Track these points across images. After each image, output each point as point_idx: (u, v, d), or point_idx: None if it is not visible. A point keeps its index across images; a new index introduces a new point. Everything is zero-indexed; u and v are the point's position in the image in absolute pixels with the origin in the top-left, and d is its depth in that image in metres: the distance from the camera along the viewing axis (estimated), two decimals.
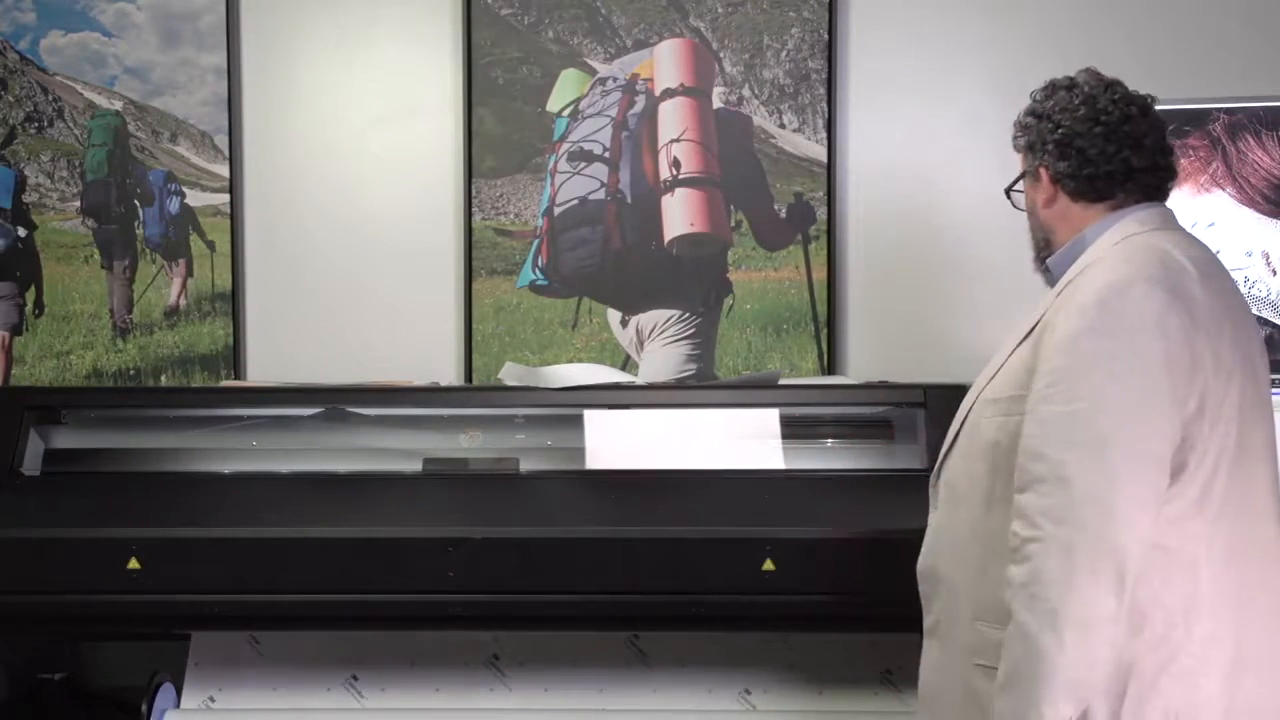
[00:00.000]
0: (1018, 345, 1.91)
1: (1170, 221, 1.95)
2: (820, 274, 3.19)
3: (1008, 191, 2.09)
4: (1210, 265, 1.88)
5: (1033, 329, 1.89)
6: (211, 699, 2.70)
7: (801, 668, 2.67)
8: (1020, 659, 1.72)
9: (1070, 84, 1.99)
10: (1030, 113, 2.00)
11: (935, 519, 2.02)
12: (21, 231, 3.32)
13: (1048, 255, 2.01)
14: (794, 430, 2.67)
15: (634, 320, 3.23)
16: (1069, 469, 1.71)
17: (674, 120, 3.22)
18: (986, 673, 1.82)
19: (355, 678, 2.71)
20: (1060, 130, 1.94)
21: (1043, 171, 1.97)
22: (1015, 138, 2.05)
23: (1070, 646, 1.68)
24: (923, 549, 2.03)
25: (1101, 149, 1.93)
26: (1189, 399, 1.76)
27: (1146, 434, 1.72)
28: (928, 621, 2.01)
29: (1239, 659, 1.78)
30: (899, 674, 2.65)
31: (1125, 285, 1.77)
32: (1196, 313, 1.79)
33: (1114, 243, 1.88)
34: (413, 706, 2.68)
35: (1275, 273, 2.87)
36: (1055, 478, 1.72)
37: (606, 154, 3.22)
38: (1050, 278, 2.03)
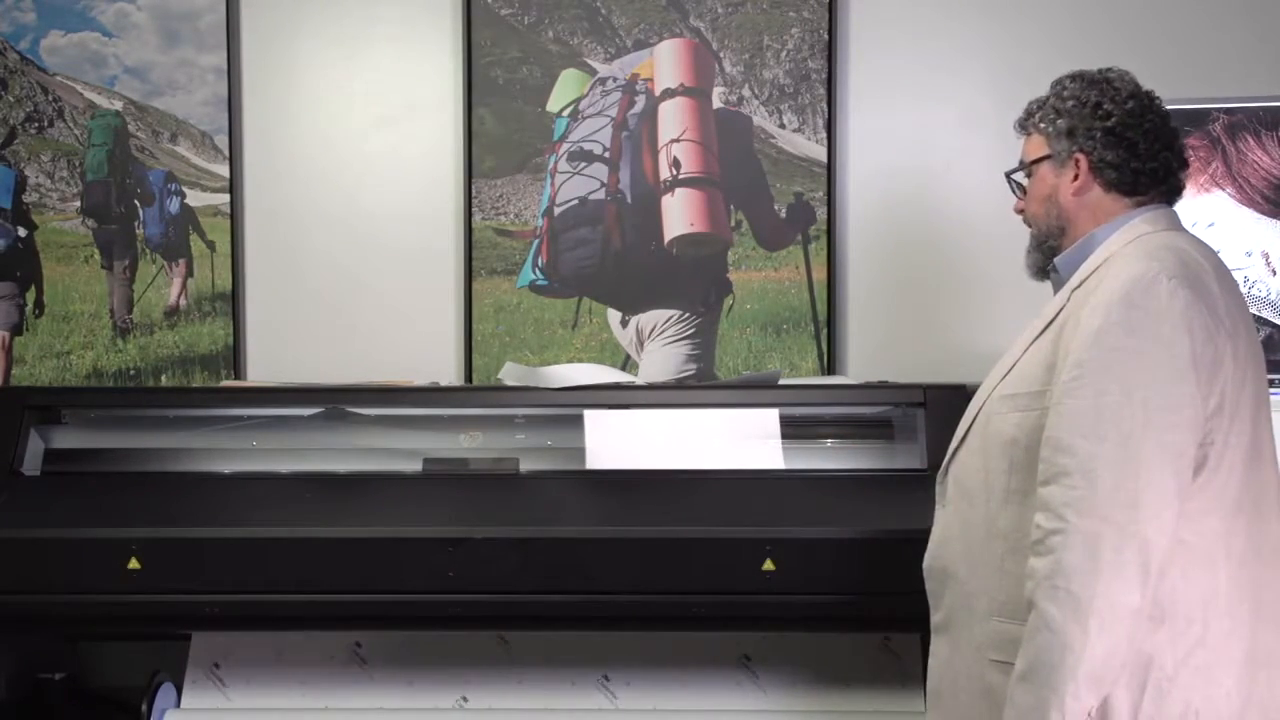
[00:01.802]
0: (1032, 342, 1.92)
1: (1178, 224, 1.97)
2: (820, 274, 3.19)
3: (1010, 174, 2.07)
4: (1221, 266, 1.90)
5: (1048, 325, 1.90)
6: (217, 664, 2.69)
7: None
8: (1042, 650, 1.72)
9: (1105, 78, 1.98)
10: (1071, 97, 1.97)
11: (943, 516, 2.02)
12: (21, 231, 3.32)
13: (1053, 246, 2.00)
14: (794, 430, 2.67)
15: (634, 320, 3.23)
16: (1095, 462, 1.72)
17: (674, 120, 3.22)
18: (1004, 668, 1.83)
19: (363, 657, 2.71)
20: (1112, 119, 1.94)
21: (1082, 158, 1.95)
22: (1040, 121, 2.00)
23: (1094, 637, 1.69)
24: (929, 546, 2.03)
25: (1150, 145, 1.94)
26: (1210, 396, 1.77)
27: (1172, 428, 1.73)
28: (935, 619, 2.01)
29: (1253, 656, 1.80)
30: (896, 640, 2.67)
31: (1150, 281, 1.78)
32: (1217, 311, 1.81)
33: (1126, 241, 1.89)
34: (419, 706, 2.68)
35: (1275, 273, 2.87)
36: (1081, 470, 1.72)
37: (606, 154, 3.22)
38: (1042, 270, 2.03)
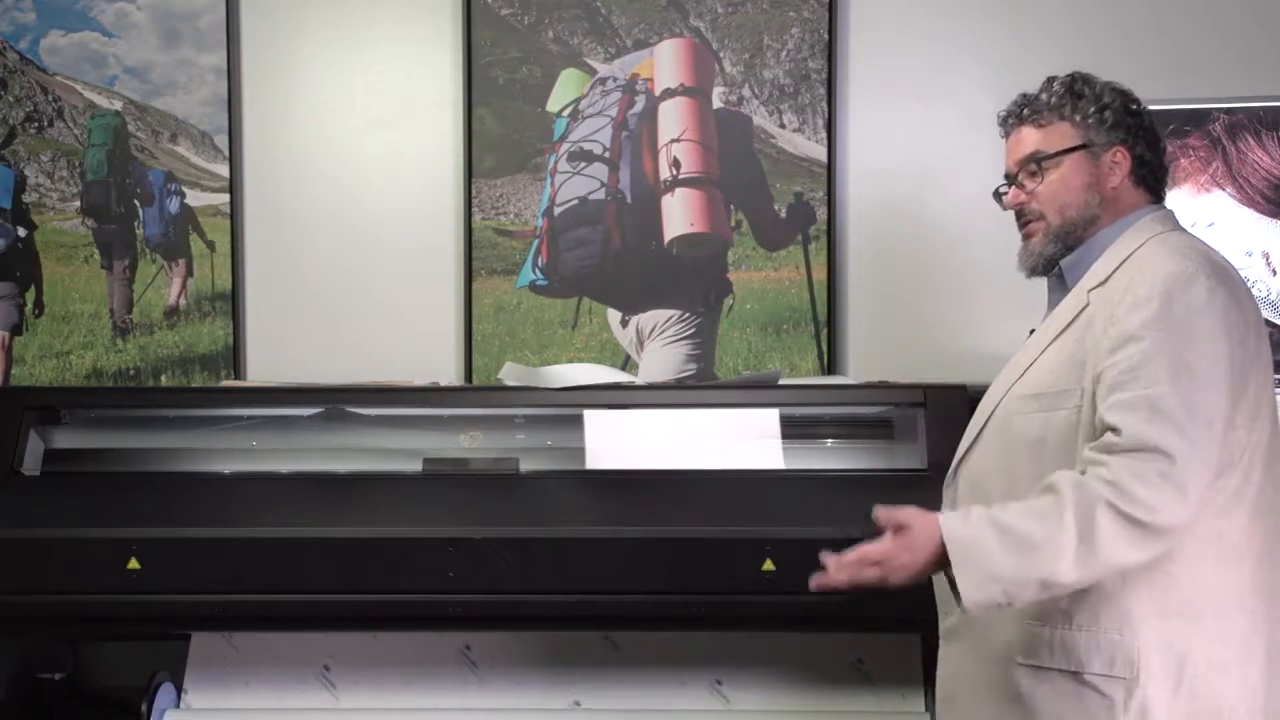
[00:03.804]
0: (1051, 342, 1.92)
1: (1180, 224, 1.99)
2: (820, 274, 3.19)
3: (1042, 159, 1.98)
4: (1234, 266, 1.93)
5: (1069, 325, 1.90)
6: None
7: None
8: (1040, 539, 1.73)
9: (1111, 82, 2.02)
10: (1104, 93, 1.99)
11: None
12: (21, 231, 3.32)
13: (1079, 237, 1.97)
14: (794, 430, 2.67)
15: (634, 320, 3.23)
16: (1162, 445, 1.72)
17: (674, 120, 3.22)
18: (1036, 672, 1.84)
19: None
20: (1145, 119, 1.99)
21: (1123, 151, 1.96)
22: (1074, 113, 1.98)
23: (1078, 576, 1.72)
24: None
25: (1163, 145, 2.02)
26: (1242, 397, 1.80)
27: (1213, 423, 1.75)
28: (947, 624, 2.00)
29: (1271, 653, 1.83)
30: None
31: (1189, 279, 1.80)
32: (1247, 311, 1.84)
33: (1140, 240, 1.91)
34: (431, 706, 2.69)
35: (1275, 273, 2.87)
36: (1149, 448, 1.73)
37: (606, 154, 3.22)
38: (1048, 265, 2.01)
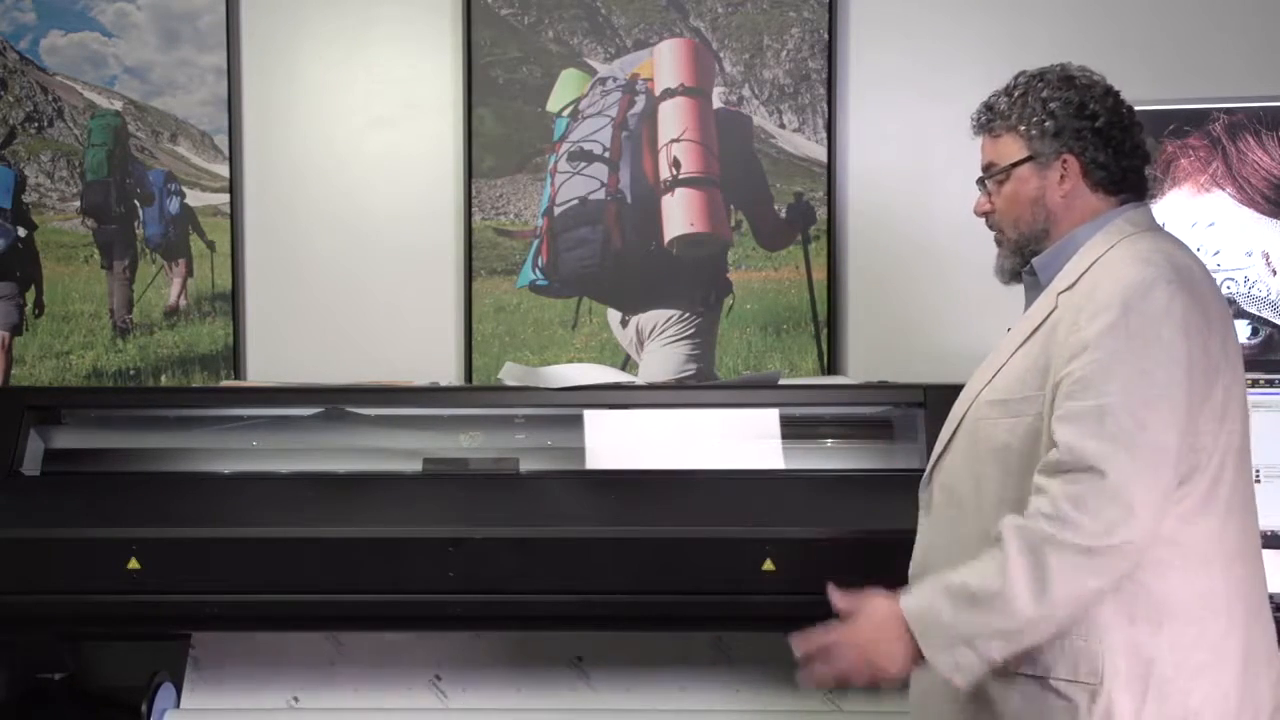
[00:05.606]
0: (1019, 346, 1.91)
1: (1155, 222, 1.97)
2: (820, 274, 3.19)
3: (986, 178, 2.00)
4: (1203, 268, 1.91)
5: (1035, 330, 1.89)
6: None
7: None
8: (990, 589, 1.74)
9: (1075, 76, 1.96)
10: (1053, 99, 1.93)
11: (928, 523, 2.00)
12: (21, 231, 3.32)
13: (1035, 250, 1.97)
14: (794, 430, 2.67)
15: (634, 320, 3.23)
16: (1099, 463, 1.71)
17: (674, 120, 3.22)
18: (1004, 678, 1.83)
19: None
20: (1100, 120, 1.92)
21: (1071, 159, 1.92)
22: (1019, 123, 1.95)
23: (1040, 616, 1.72)
24: (914, 555, 2.01)
25: (1133, 142, 1.94)
26: (1206, 400, 1.78)
27: (1167, 431, 1.73)
28: None
29: (1248, 655, 1.81)
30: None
31: (1148, 286, 1.78)
32: (1210, 314, 1.82)
33: (1111, 243, 1.89)
34: (416, 706, 2.69)
35: (1275, 273, 2.87)
36: (1085, 468, 1.72)
37: (606, 154, 3.22)
38: (1017, 275, 2.01)
